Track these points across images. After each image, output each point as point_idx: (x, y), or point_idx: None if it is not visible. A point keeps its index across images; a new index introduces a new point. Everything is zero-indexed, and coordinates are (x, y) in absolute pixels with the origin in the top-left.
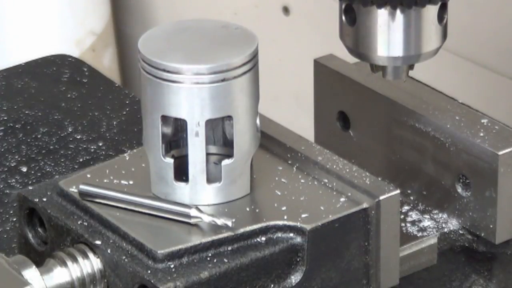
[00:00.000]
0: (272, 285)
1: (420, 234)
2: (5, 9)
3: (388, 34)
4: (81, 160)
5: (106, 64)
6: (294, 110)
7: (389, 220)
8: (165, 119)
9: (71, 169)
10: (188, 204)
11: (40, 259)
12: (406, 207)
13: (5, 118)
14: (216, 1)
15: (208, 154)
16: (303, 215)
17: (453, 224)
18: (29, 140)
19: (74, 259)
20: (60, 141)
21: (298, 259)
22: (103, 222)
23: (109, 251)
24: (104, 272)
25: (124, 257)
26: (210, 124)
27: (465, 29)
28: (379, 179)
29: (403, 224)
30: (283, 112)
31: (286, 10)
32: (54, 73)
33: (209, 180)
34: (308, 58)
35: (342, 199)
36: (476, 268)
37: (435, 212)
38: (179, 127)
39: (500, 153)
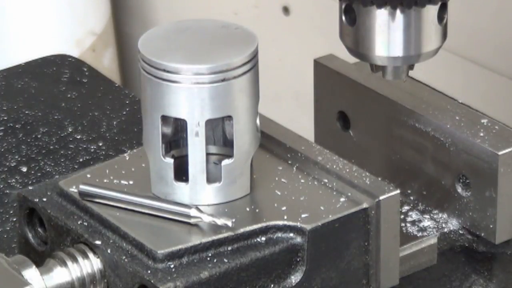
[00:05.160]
0: (272, 285)
1: (420, 234)
2: (5, 9)
3: (388, 34)
4: (81, 160)
5: (106, 64)
6: (294, 110)
7: (389, 220)
8: (165, 119)
9: (71, 169)
10: (188, 204)
11: (40, 259)
12: (406, 207)
13: (5, 118)
14: (216, 1)
15: (208, 154)
16: (303, 215)
17: (453, 224)
18: (29, 140)
19: (74, 259)
20: (60, 141)
21: (298, 259)
22: (103, 222)
23: (109, 251)
24: (104, 272)
25: (124, 257)
26: (210, 124)
27: (465, 29)
28: (379, 179)
29: (403, 224)
30: (283, 112)
31: (286, 10)
32: (54, 73)
33: (209, 180)
34: (308, 58)
35: (342, 199)
36: (476, 268)
37: (435, 212)
38: (179, 127)
39: (500, 153)
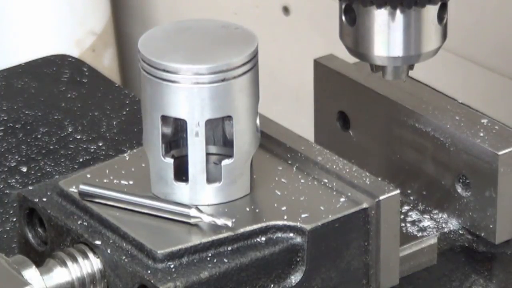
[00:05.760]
0: (272, 285)
1: (420, 234)
2: (5, 9)
3: (388, 34)
4: (81, 160)
5: (106, 64)
6: (294, 110)
7: (389, 220)
8: (165, 119)
9: (71, 169)
10: (188, 204)
11: (40, 259)
12: (406, 207)
13: (5, 118)
14: (216, 1)
15: (208, 154)
16: (303, 215)
17: (453, 224)
18: (29, 140)
19: (74, 259)
20: (60, 141)
21: (298, 259)
22: (103, 222)
23: (109, 251)
24: (104, 272)
25: (124, 257)
26: (210, 124)
27: (465, 29)
28: (379, 179)
29: (403, 224)
30: (283, 112)
31: (286, 10)
32: (54, 73)
33: (209, 180)
34: (308, 58)
35: (342, 199)
36: (476, 268)
37: (435, 212)
38: (179, 127)
39: (500, 153)
